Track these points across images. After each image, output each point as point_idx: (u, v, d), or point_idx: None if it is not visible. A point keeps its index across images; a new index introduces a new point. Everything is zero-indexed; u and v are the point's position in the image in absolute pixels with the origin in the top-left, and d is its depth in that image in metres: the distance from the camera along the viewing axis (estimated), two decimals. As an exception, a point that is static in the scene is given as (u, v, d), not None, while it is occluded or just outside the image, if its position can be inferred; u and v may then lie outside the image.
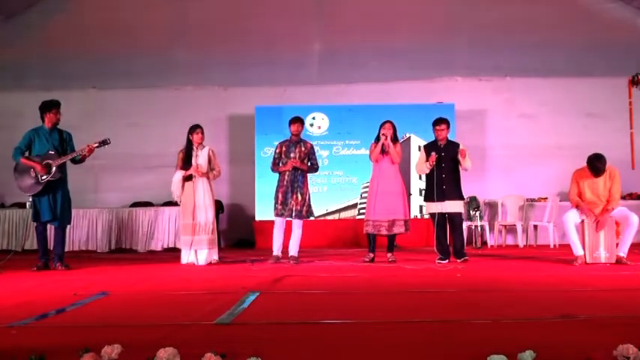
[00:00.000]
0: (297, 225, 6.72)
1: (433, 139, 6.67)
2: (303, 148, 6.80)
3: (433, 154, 6.42)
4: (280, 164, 6.80)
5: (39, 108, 6.28)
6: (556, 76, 9.76)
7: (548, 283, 4.85)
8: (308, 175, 6.87)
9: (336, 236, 9.28)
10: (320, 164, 7.22)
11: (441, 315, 3.33)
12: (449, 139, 6.62)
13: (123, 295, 4.32)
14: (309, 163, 6.83)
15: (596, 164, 5.95)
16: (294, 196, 6.66)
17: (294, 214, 6.66)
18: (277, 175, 6.87)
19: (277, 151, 6.88)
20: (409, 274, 5.48)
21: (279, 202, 6.71)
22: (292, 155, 6.73)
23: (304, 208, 6.69)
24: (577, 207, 6.11)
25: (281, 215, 6.72)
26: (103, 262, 7.24)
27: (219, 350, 2.24)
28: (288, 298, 4.20)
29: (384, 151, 6.54)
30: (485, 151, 9.94)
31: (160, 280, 5.41)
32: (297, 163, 6.67)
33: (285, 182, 6.71)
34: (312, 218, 6.94)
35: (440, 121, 6.58)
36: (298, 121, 6.84)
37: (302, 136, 6.92)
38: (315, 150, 7.03)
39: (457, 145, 6.57)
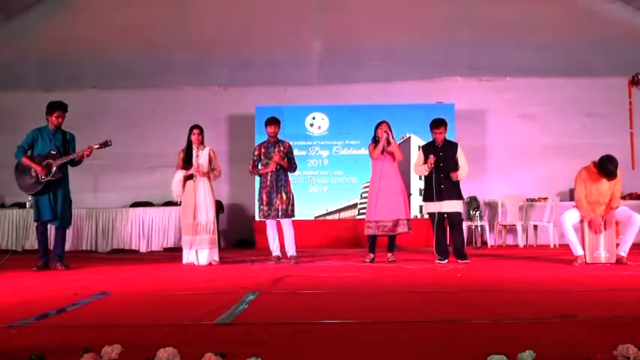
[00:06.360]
0: (287, 225, 6.70)
1: (431, 139, 6.66)
2: (282, 148, 6.77)
3: (431, 156, 6.36)
4: (260, 166, 6.79)
5: (46, 107, 6.26)
6: (556, 76, 9.75)
7: (548, 283, 4.84)
8: (289, 174, 6.84)
9: (336, 236, 9.27)
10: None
11: (441, 315, 3.33)
12: (447, 138, 6.60)
13: (123, 295, 4.32)
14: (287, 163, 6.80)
15: (609, 167, 5.84)
16: (279, 196, 6.64)
17: (280, 213, 6.63)
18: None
19: (256, 153, 6.86)
20: (409, 274, 5.47)
21: (265, 202, 6.69)
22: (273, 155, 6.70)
23: (289, 207, 6.67)
24: (581, 210, 6.05)
25: (267, 216, 6.70)
26: (103, 262, 7.24)
27: (219, 350, 2.24)
28: (288, 298, 4.19)
29: (384, 151, 6.52)
30: (486, 151, 9.94)
31: (160, 280, 5.41)
32: (279, 158, 6.62)
33: (268, 182, 6.69)
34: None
35: (438, 124, 6.49)
36: (274, 122, 6.81)
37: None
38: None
39: (455, 144, 6.57)
